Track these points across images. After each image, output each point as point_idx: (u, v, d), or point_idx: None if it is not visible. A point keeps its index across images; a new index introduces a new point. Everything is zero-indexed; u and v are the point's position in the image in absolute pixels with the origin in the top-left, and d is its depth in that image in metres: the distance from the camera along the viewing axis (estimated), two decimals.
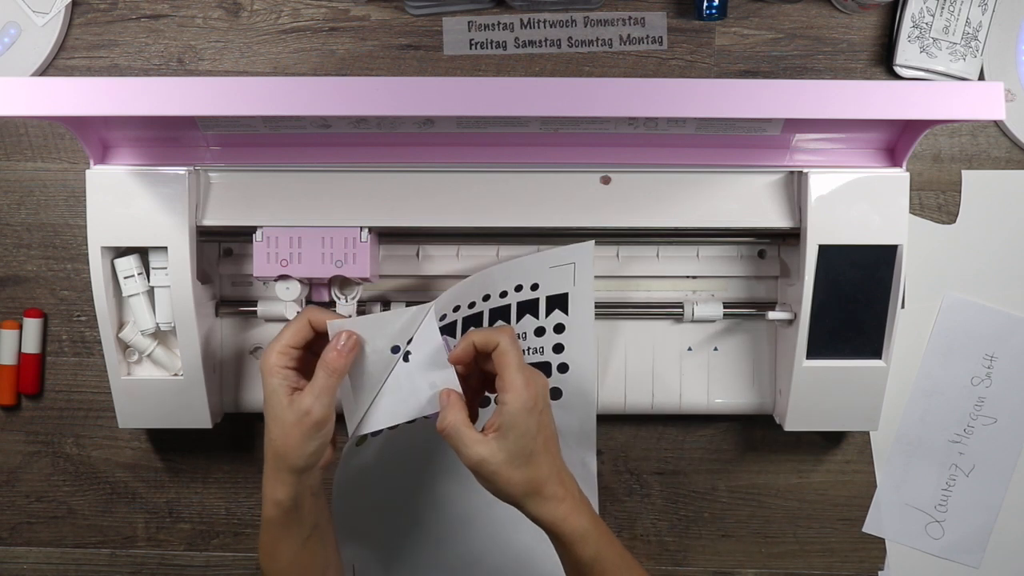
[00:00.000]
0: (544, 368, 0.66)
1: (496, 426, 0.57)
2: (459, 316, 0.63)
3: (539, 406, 0.58)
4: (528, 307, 0.63)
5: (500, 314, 0.63)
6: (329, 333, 0.59)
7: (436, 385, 0.59)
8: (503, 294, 0.63)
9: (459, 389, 0.59)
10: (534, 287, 0.62)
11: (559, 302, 0.63)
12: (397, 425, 0.69)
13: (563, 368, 0.66)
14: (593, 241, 0.60)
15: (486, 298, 0.62)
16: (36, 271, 0.76)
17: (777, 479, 0.77)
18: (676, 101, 0.53)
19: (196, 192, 0.67)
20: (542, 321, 0.64)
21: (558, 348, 0.65)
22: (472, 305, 0.63)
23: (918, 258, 0.75)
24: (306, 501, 0.61)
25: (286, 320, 0.67)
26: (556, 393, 0.67)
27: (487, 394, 0.63)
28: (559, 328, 0.64)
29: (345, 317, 0.61)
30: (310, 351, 0.60)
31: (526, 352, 0.65)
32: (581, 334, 0.65)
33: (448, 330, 0.64)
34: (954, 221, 0.75)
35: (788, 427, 0.70)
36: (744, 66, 0.74)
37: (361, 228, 0.67)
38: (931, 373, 0.75)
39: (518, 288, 0.62)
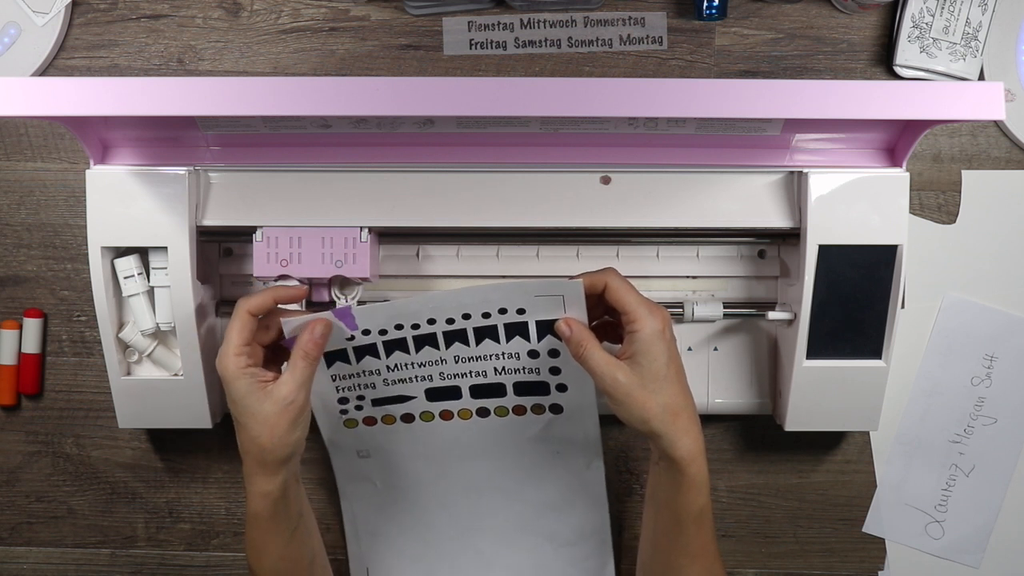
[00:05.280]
0: (542, 388, 0.66)
1: (629, 353, 0.58)
2: (438, 329, 0.62)
3: (667, 334, 0.59)
4: (517, 329, 0.62)
5: (487, 333, 0.62)
6: (285, 330, 0.61)
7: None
8: (486, 315, 0.61)
9: None
10: (520, 311, 0.61)
11: (550, 328, 0.62)
12: (410, 419, 0.69)
13: (562, 388, 0.66)
14: (582, 282, 0.60)
15: (466, 316, 0.61)
16: (36, 271, 0.76)
17: (777, 479, 0.77)
18: (676, 101, 0.53)
19: (196, 192, 0.67)
20: (534, 345, 0.63)
21: (555, 371, 0.65)
22: (451, 321, 0.62)
23: (918, 258, 0.75)
24: (291, 489, 0.62)
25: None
26: (557, 409, 0.68)
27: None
28: (554, 353, 0.64)
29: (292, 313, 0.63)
30: (257, 343, 0.62)
31: (520, 371, 0.65)
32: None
33: (428, 340, 0.63)
34: (954, 221, 0.75)
35: (788, 427, 0.70)
36: (744, 66, 0.74)
37: (361, 228, 0.67)
38: (931, 373, 0.75)
39: (502, 311, 0.61)
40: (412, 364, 0.65)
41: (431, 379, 0.66)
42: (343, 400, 0.67)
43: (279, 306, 0.63)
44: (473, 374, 0.65)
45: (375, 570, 0.75)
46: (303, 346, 0.60)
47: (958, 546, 0.76)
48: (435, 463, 0.71)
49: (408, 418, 0.69)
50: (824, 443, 0.77)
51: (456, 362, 0.65)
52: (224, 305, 0.71)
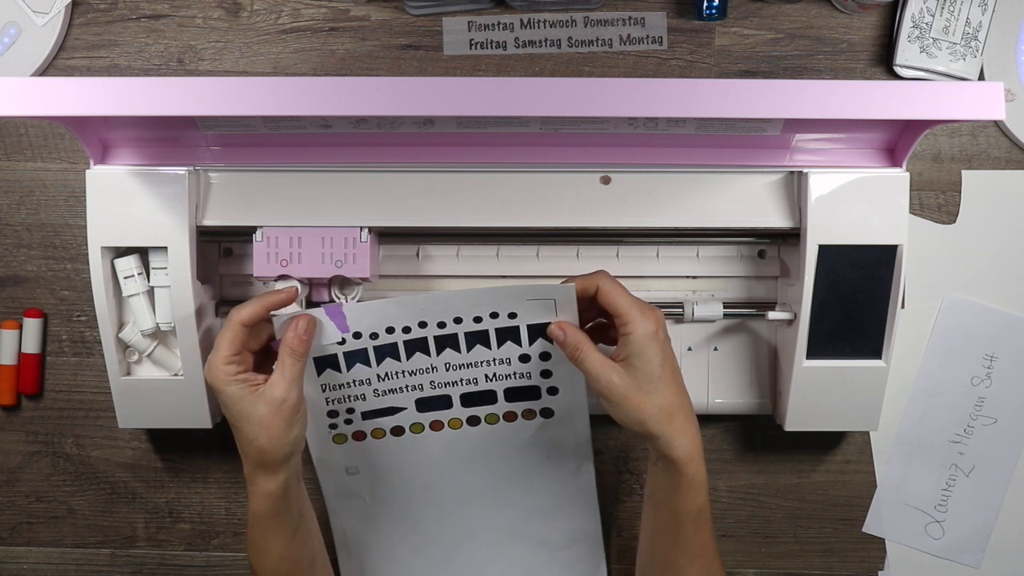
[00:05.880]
0: (533, 392, 0.66)
1: (623, 356, 0.58)
2: (429, 333, 0.62)
3: (661, 335, 0.59)
4: (509, 334, 0.62)
5: (478, 339, 0.62)
6: (275, 327, 0.61)
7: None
8: (477, 319, 0.61)
9: None
10: (512, 315, 0.61)
11: (542, 331, 0.62)
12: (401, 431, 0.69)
13: (552, 391, 0.66)
14: (574, 285, 0.60)
15: (458, 320, 0.62)
16: (36, 271, 0.76)
17: (777, 479, 0.77)
18: (676, 101, 0.53)
19: (196, 192, 0.67)
20: (526, 349, 0.63)
21: (546, 374, 0.65)
22: (442, 325, 0.62)
23: (918, 258, 0.75)
24: (293, 488, 0.63)
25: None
26: (548, 413, 0.68)
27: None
28: (545, 356, 0.64)
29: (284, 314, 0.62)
30: (247, 349, 0.62)
31: (511, 377, 0.65)
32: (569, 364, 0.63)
33: (420, 345, 0.63)
34: (954, 221, 0.75)
35: (788, 427, 0.70)
36: (744, 66, 0.74)
37: (361, 228, 0.67)
38: (931, 373, 0.75)
39: (493, 315, 0.61)
40: (403, 372, 0.65)
41: (421, 388, 0.66)
42: (332, 414, 0.67)
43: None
44: (464, 382, 0.65)
45: None
46: (289, 343, 0.60)
47: (958, 546, 0.76)
48: (426, 475, 0.71)
49: (398, 431, 0.68)
50: (824, 443, 0.77)
51: (447, 369, 0.64)
52: (224, 305, 0.71)
